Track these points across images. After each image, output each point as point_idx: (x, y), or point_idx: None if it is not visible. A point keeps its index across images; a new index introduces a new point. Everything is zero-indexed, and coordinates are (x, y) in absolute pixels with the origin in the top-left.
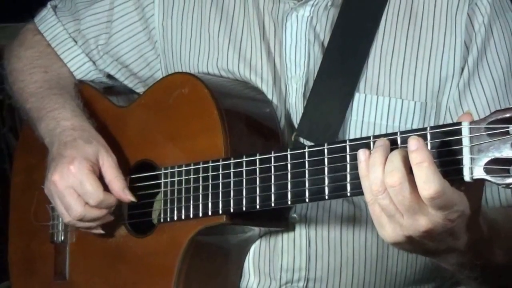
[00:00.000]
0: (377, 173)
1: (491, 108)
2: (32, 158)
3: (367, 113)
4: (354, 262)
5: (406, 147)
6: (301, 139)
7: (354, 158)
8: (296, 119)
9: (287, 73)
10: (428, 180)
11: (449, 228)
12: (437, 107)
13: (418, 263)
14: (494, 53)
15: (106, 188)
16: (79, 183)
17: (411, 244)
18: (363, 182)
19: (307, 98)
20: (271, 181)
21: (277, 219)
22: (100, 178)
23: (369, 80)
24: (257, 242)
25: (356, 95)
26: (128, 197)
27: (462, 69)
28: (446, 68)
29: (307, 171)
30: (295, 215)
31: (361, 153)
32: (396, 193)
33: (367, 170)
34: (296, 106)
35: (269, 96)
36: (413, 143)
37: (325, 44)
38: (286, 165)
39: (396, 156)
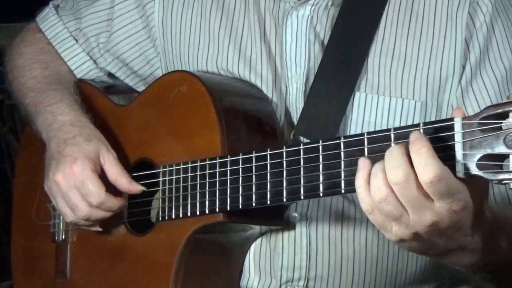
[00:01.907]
0: (378, 180)
1: None
2: (34, 157)
3: (367, 112)
4: (354, 261)
5: (400, 143)
6: (301, 138)
7: (348, 155)
8: (295, 117)
9: (288, 72)
10: (427, 164)
11: (456, 222)
12: (437, 106)
13: (418, 262)
14: (496, 51)
15: (108, 186)
16: (81, 183)
17: (419, 241)
18: (360, 193)
19: (307, 96)
20: (266, 179)
21: (275, 217)
22: (102, 176)
23: (370, 79)
24: (258, 241)
25: (357, 94)
26: (137, 187)
27: (463, 67)
28: (446, 67)
29: (302, 168)
30: (295, 214)
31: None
32: (401, 189)
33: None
34: (296, 105)
35: (269, 95)
36: (413, 135)
37: (326, 43)
38: (282, 162)
39: (395, 153)
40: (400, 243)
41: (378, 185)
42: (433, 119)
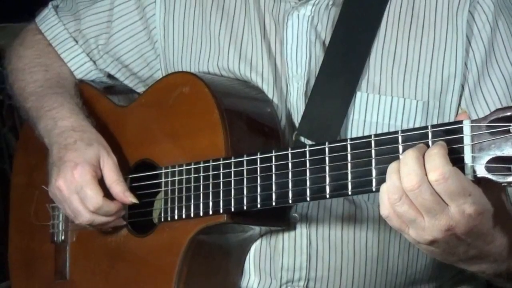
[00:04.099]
0: (392, 180)
1: (503, 105)
2: (32, 158)
3: (369, 113)
4: (354, 262)
5: (408, 146)
6: (302, 139)
7: (355, 156)
8: (297, 118)
9: (288, 72)
10: (434, 162)
11: (472, 227)
12: (440, 106)
13: (418, 263)
14: (502, 50)
15: (107, 191)
16: (81, 188)
17: (436, 246)
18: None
19: (308, 97)
20: (272, 180)
21: (278, 218)
22: (102, 180)
23: (371, 79)
24: (258, 242)
25: (358, 94)
26: (129, 199)
27: (466, 65)
28: (448, 67)
29: (308, 170)
30: (296, 214)
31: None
32: (415, 195)
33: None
34: (297, 106)
35: (270, 96)
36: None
37: (326, 43)
38: (287, 164)
39: (409, 158)
40: (419, 246)
41: (394, 186)
42: (435, 119)
